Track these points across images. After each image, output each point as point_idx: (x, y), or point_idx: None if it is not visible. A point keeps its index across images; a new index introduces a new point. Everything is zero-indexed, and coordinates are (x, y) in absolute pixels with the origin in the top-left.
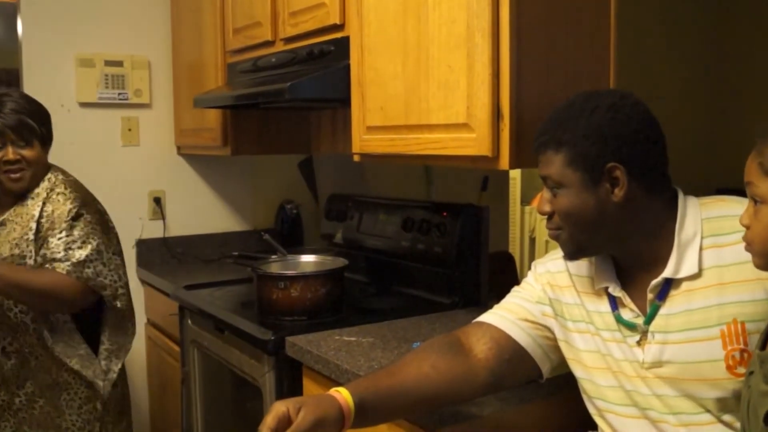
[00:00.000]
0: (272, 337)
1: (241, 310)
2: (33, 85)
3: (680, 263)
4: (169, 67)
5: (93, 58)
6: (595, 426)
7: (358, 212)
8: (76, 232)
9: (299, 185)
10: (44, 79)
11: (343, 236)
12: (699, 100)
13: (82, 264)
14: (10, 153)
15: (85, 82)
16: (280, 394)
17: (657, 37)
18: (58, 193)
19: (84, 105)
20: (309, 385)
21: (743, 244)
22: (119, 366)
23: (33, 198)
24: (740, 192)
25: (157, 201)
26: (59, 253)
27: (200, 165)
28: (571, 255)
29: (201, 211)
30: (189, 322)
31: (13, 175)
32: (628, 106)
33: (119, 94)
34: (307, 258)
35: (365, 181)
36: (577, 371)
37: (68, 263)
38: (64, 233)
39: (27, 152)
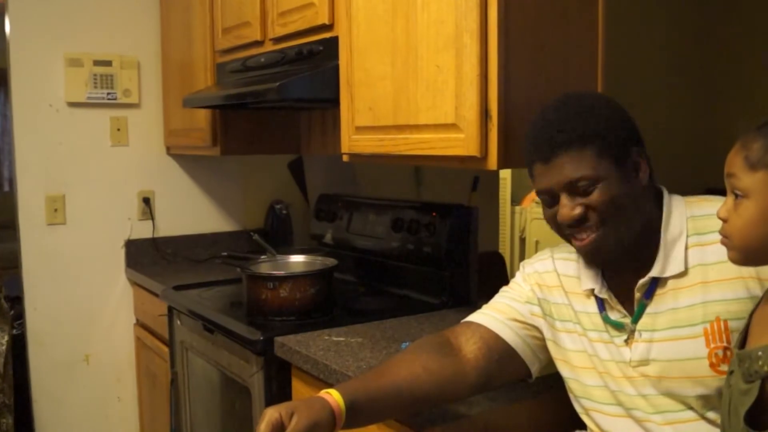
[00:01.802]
0: (261, 338)
1: (230, 311)
2: (21, 85)
3: (667, 262)
4: (158, 67)
5: (81, 57)
6: (583, 425)
7: (347, 212)
8: None
9: (289, 185)
10: (32, 79)
11: (332, 236)
12: (688, 102)
13: None
14: None
15: (74, 81)
16: (269, 395)
17: (646, 39)
18: None
19: (72, 105)
20: (298, 386)
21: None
22: (6, 339)
23: None
24: None
25: (146, 201)
26: None
27: (189, 165)
28: (610, 253)
29: (190, 212)
30: (178, 322)
31: None
32: (613, 101)
33: (108, 93)
34: (297, 258)
35: (355, 182)
36: (564, 371)
37: None
38: None
39: None
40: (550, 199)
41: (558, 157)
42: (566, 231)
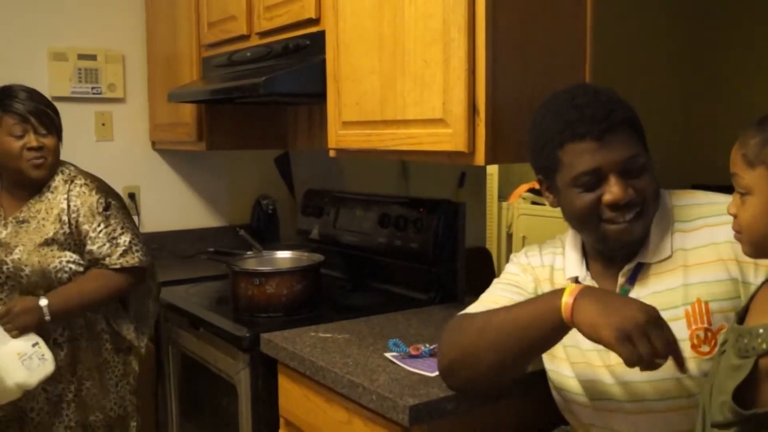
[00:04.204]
0: (247, 334)
1: (217, 307)
2: (5, 79)
3: (656, 248)
4: (144, 62)
5: (66, 51)
6: (568, 422)
7: (334, 208)
8: (112, 221)
9: (275, 181)
10: (16, 73)
11: (319, 232)
12: (674, 98)
13: (127, 251)
14: (33, 140)
15: (58, 76)
16: (255, 391)
17: (633, 35)
18: (80, 185)
19: (57, 99)
20: (284, 382)
21: (703, 230)
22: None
23: (52, 192)
24: (714, 189)
25: (132, 196)
26: (104, 246)
27: (175, 160)
28: (637, 239)
29: (176, 207)
30: (164, 319)
31: (36, 161)
32: None
33: (93, 88)
34: (283, 254)
35: (342, 177)
36: (546, 362)
37: (116, 256)
38: (102, 225)
39: (48, 141)
40: (594, 182)
41: (614, 134)
42: (608, 215)
